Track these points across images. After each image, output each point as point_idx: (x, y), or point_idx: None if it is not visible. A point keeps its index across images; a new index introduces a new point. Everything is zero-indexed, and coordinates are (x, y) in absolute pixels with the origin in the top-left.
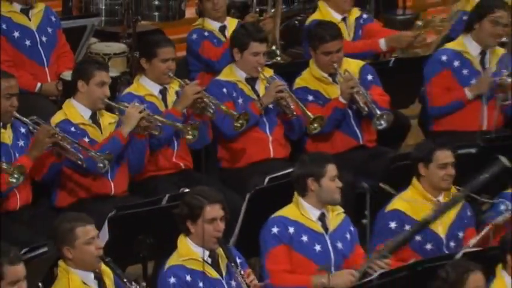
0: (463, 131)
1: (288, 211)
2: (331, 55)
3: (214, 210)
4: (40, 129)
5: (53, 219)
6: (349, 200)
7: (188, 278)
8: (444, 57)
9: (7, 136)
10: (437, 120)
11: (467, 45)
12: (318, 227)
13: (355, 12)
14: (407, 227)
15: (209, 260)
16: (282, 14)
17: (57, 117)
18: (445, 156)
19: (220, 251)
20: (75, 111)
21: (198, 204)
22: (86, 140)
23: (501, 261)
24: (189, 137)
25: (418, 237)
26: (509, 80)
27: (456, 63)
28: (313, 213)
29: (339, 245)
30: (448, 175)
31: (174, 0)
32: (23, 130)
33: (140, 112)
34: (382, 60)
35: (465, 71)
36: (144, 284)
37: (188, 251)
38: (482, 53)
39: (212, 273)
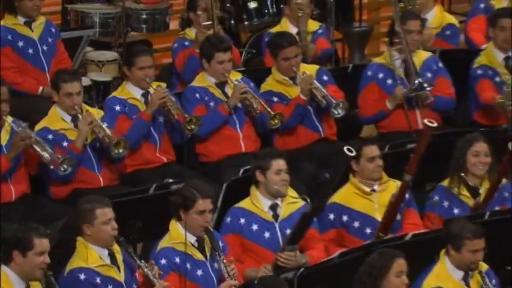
0: (405, 131)
1: (244, 202)
2: (290, 60)
3: (205, 204)
4: (16, 134)
5: (49, 209)
6: (311, 188)
7: (177, 259)
8: (369, 72)
9: (2, 137)
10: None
11: (389, 56)
12: (268, 216)
13: (313, 26)
14: (344, 218)
15: (196, 244)
16: (254, 26)
17: (38, 125)
18: (371, 150)
19: (206, 236)
20: (57, 116)
21: (191, 197)
22: (65, 142)
23: (445, 247)
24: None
25: (357, 224)
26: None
27: (380, 75)
28: (265, 203)
29: (288, 231)
30: (377, 166)
31: (159, 14)
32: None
33: (90, 123)
34: (341, 66)
35: (389, 81)
36: (152, 261)
37: (178, 235)
38: (405, 61)
39: (198, 255)
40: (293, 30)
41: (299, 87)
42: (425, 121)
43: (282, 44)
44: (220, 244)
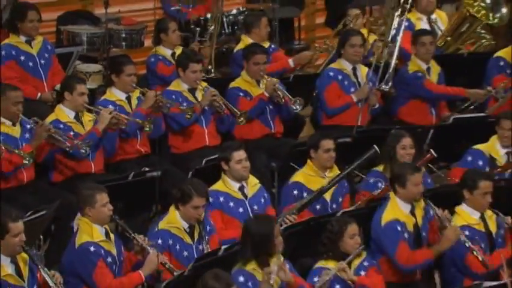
0: (343, 125)
1: (218, 185)
2: (259, 65)
3: (200, 201)
4: (39, 125)
5: (49, 191)
6: (265, 174)
7: (170, 241)
8: (331, 73)
9: (16, 131)
10: (326, 117)
11: (343, 64)
12: (239, 195)
13: (266, 43)
14: (305, 195)
15: (187, 230)
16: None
17: (49, 118)
18: (327, 143)
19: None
20: (63, 113)
21: (189, 194)
22: (71, 133)
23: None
24: (147, 129)
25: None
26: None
27: (340, 77)
28: (234, 185)
29: (255, 207)
30: (330, 157)
31: (136, 33)
32: (28, 126)
33: (110, 113)
34: (285, 76)
35: (346, 82)
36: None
37: (175, 221)
38: (354, 69)
39: (187, 239)
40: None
41: (262, 88)
42: None
43: (256, 51)
44: (208, 228)
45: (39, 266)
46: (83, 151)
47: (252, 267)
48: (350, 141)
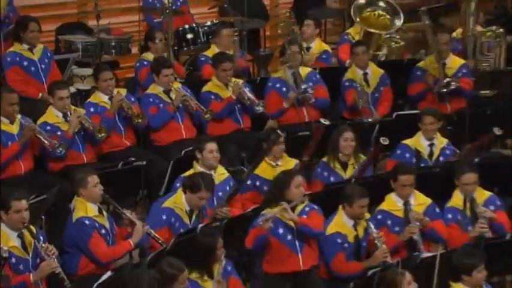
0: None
1: (190, 172)
2: (226, 71)
3: (205, 194)
4: (26, 126)
5: (47, 179)
6: (236, 163)
7: (173, 219)
8: (270, 83)
9: (13, 128)
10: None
11: (284, 71)
12: None
13: (234, 50)
14: (257, 183)
15: (188, 212)
16: (191, 51)
17: (40, 119)
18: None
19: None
20: (53, 114)
21: (198, 186)
22: (59, 133)
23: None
24: (103, 134)
25: (265, 187)
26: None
27: (277, 85)
28: None
29: (220, 194)
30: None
31: (124, 42)
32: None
33: (78, 117)
34: (252, 79)
35: (284, 89)
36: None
37: (180, 202)
38: (294, 74)
39: (186, 220)
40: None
41: (230, 91)
42: (322, 120)
43: (223, 60)
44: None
45: (35, 240)
46: (58, 151)
47: (194, 275)
48: (308, 134)
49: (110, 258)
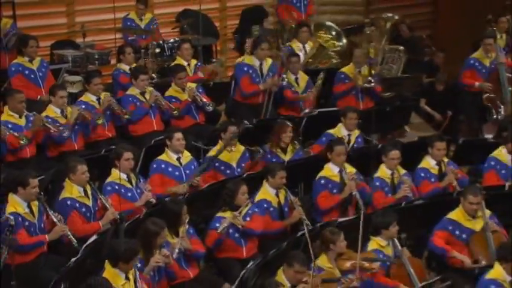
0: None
1: (162, 156)
2: (181, 79)
3: (129, 155)
4: (36, 117)
5: (47, 163)
6: (195, 151)
7: (116, 187)
8: (245, 68)
9: (21, 121)
10: (240, 97)
11: (253, 59)
12: (176, 163)
13: (194, 61)
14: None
15: (127, 179)
16: (159, 62)
17: (43, 113)
18: (233, 130)
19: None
20: (52, 110)
21: (120, 153)
22: (58, 124)
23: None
24: (100, 121)
25: (222, 167)
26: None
27: (250, 71)
28: (173, 156)
29: (187, 171)
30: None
31: (105, 55)
32: (31, 118)
33: (78, 110)
34: (207, 83)
35: (254, 75)
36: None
37: (116, 176)
38: (260, 65)
39: (128, 185)
40: (184, 63)
41: (187, 94)
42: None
43: (178, 70)
44: (141, 179)
45: (47, 208)
46: (64, 135)
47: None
48: (252, 128)
49: (81, 234)
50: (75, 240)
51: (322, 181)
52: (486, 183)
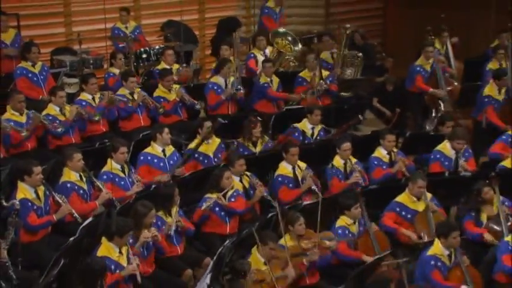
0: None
1: (149, 149)
2: (169, 82)
3: (124, 149)
4: (35, 115)
5: (47, 154)
6: (178, 143)
7: (111, 175)
8: (210, 85)
9: (22, 119)
10: (210, 110)
11: (218, 78)
12: (161, 155)
13: (176, 66)
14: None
15: (121, 169)
16: (146, 66)
17: (44, 112)
18: (208, 125)
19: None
20: (52, 109)
21: (117, 147)
22: (57, 121)
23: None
24: (97, 118)
25: (201, 158)
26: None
27: (215, 87)
28: (159, 149)
29: (171, 162)
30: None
31: (99, 60)
32: (31, 116)
33: (76, 108)
34: (188, 84)
35: (219, 90)
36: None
37: (111, 167)
38: (225, 81)
39: (121, 174)
40: (167, 66)
41: (173, 94)
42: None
43: (166, 74)
44: (132, 169)
45: (52, 192)
46: (59, 130)
47: (161, 213)
48: (226, 123)
49: (81, 212)
50: (79, 217)
51: (280, 178)
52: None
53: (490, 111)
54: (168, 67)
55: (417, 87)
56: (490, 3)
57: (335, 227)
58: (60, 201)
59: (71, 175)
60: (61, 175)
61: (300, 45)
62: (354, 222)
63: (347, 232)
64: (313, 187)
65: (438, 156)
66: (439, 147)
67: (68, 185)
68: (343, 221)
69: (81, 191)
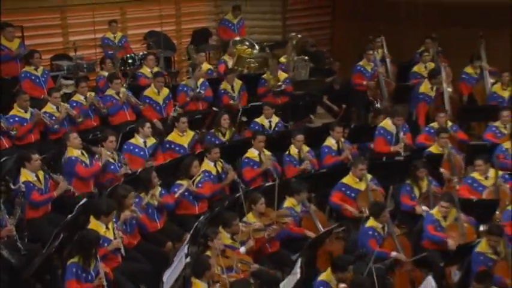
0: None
1: (132, 140)
2: (159, 83)
3: (112, 138)
4: (35, 112)
5: (48, 145)
6: (159, 137)
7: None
8: (180, 88)
9: (26, 115)
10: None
11: (190, 81)
12: (142, 145)
13: (156, 68)
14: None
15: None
16: (132, 70)
17: (42, 110)
18: (183, 120)
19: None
20: (50, 107)
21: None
22: (54, 118)
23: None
24: (79, 119)
25: (177, 148)
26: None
27: (185, 89)
28: (141, 140)
29: (150, 151)
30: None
31: (92, 64)
32: (34, 113)
33: (66, 109)
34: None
35: (188, 91)
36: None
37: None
38: (195, 84)
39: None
40: (148, 69)
41: (161, 96)
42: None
43: (159, 75)
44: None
45: (50, 174)
46: (55, 127)
47: (142, 194)
48: (200, 117)
49: (87, 175)
50: (77, 191)
51: (246, 160)
52: (376, 147)
53: (422, 107)
54: (148, 70)
55: (354, 82)
56: (418, 16)
57: (282, 207)
58: (59, 180)
59: (73, 151)
60: (60, 163)
61: (257, 47)
62: (298, 204)
63: (293, 211)
64: (270, 167)
65: (382, 131)
66: (382, 123)
67: (73, 158)
68: (290, 202)
69: (84, 164)
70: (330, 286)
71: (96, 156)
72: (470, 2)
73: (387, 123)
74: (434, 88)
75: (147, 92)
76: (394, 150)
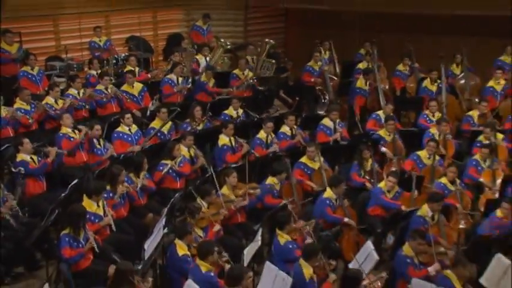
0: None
1: (120, 128)
2: (130, 79)
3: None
4: (39, 105)
5: (46, 134)
6: (140, 126)
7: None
8: (165, 80)
9: (29, 107)
10: (165, 98)
11: (172, 76)
12: (128, 132)
13: (136, 68)
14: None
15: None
16: (114, 68)
17: (43, 102)
18: (163, 110)
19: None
20: (50, 100)
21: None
22: (53, 108)
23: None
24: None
25: (159, 134)
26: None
27: (170, 82)
28: (126, 128)
29: (136, 137)
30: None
31: (80, 65)
32: (34, 105)
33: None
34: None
35: (172, 84)
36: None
37: None
38: (176, 79)
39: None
40: (131, 69)
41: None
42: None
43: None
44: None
45: (42, 149)
46: (56, 116)
47: (131, 175)
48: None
49: (72, 146)
50: (65, 151)
51: (225, 147)
52: (318, 139)
53: (358, 99)
54: (131, 69)
55: (304, 80)
56: (354, 25)
57: (264, 183)
58: (49, 148)
59: (66, 129)
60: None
61: (228, 43)
62: (278, 182)
63: (272, 188)
64: (251, 150)
65: (322, 127)
66: (322, 121)
67: (61, 134)
68: (271, 180)
69: (72, 139)
70: (332, 202)
71: (87, 134)
72: (399, 13)
73: (326, 120)
74: (368, 83)
75: (124, 87)
76: (332, 139)
